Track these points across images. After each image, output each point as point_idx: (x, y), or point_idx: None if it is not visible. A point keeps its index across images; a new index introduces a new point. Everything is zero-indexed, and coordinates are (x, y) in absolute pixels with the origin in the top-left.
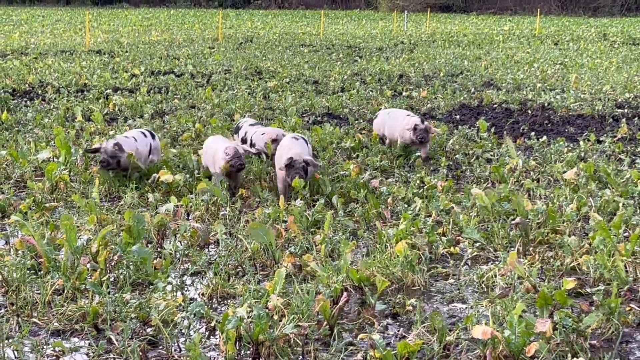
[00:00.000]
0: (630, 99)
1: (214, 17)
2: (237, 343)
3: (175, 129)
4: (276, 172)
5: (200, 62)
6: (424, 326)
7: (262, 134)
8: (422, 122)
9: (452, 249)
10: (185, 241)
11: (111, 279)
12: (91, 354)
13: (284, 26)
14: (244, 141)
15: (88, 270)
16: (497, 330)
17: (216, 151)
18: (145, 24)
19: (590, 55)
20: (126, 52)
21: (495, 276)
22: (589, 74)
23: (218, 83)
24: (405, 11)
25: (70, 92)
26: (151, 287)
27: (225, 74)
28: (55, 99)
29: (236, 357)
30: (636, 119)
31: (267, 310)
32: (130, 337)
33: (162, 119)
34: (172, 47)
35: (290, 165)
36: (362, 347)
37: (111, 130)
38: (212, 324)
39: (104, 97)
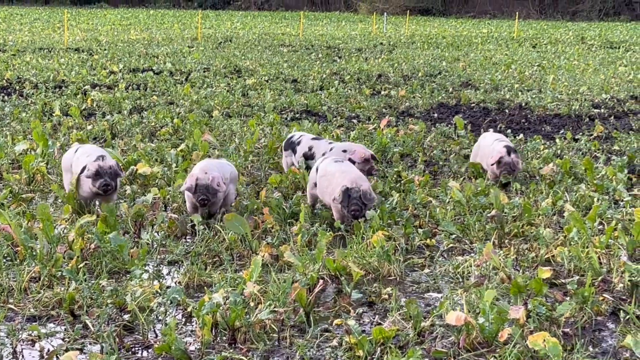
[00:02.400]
0: (607, 100)
1: (193, 18)
2: (214, 329)
3: (153, 124)
4: (331, 205)
5: (179, 61)
6: (400, 313)
7: (344, 151)
8: (509, 152)
9: (428, 240)
10: (163, 232)
11: (88, 268)
12: (67, 339)
13: (263, 27)
14: (307, 157)
15: (64, 258)
16: (471, 317)
17: None
18: (124, 24)
19: (567, 58)
20: (105, 50)
21: (471, 266)
22: (566, 75)
23: (197, 80)
24: (385, 13)
25: (48, 87)
26: (128, 275)
27: (204, 72)
28: (33, 94)
29: (212, 343)
30: (612, 118)
31: (243, 297)
32: (106, 322)
33: (140, 115)
34: (151, 46)
35: (347, 195)
36: (338, 333)
37: (89, 125)
38: (189, 310)
39: (82, 93)
